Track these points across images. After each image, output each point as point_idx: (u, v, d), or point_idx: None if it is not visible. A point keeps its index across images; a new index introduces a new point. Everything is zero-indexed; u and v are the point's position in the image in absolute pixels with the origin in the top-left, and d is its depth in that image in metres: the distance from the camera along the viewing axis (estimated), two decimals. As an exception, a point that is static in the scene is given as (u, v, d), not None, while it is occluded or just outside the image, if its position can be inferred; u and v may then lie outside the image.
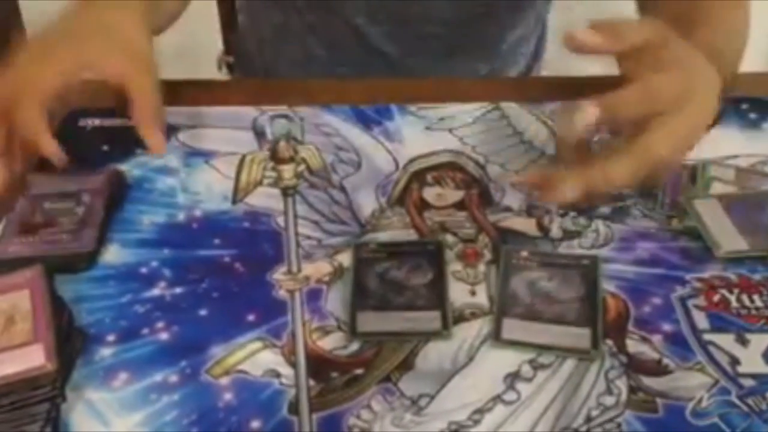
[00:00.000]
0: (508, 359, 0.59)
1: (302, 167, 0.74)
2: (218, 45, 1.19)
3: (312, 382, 0.57)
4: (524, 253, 0.65)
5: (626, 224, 0.69)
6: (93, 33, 0.69)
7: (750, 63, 0.80)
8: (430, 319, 0.61)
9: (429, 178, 0.73)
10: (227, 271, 0.65)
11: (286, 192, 0.72)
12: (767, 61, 1.38)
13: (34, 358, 0.56)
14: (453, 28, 0.93)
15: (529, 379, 0.57)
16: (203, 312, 0.62)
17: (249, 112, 0.79)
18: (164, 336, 0.60)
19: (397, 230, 0.68)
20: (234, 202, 0.71)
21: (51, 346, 0.56)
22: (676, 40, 0.64)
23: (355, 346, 0.60)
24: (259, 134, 0.77)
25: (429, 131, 0.77)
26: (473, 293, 0.63)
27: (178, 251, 0.66)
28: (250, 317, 0.61)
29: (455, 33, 0.94)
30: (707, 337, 0.60)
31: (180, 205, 0.71)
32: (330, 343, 0.60)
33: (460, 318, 0.61)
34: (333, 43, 0.97)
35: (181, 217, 0.70)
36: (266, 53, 1.04)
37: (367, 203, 0.71)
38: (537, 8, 0.99)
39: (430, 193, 0.71)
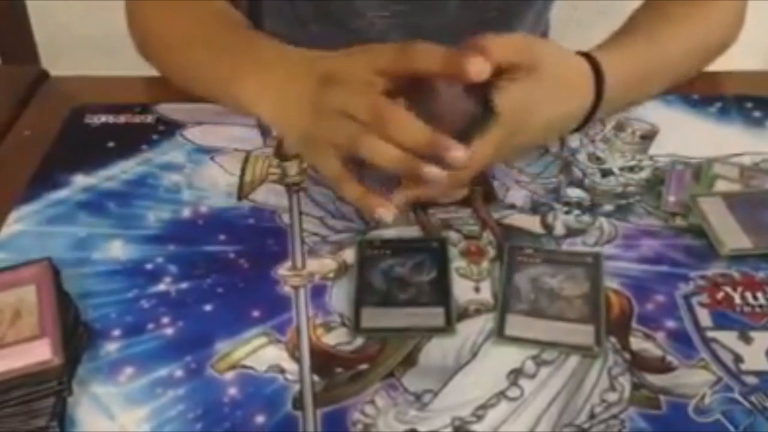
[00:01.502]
0: (512, 356, 0.59)
1: (307, 164, 0.74)
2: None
3: (316, 378, 0.57)
4: (528, 250, 0.66)
5: (630, 222, 0.69)
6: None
7: (751, 63, 0.80)
8: (433, 316, 0.61)
9: (433, 175, 0.73)
10: (232, 267, 0.65)
11: (291, 188, 0.72)
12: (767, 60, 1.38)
13: (41, 352, 0.56)
14: (465, 36, 0.93)
15: (533, 376, 0.57)
16: (208, 307, 0.62)
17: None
18: (169, 331, 0.60)
19: (401, 227, 0.69)
20: (239, 198, 0.71)
21: (57, 341, 0.57)
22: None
23: (359, 342, 0.60)
24: (264, 131, 0.77)
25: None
26: (477, 290, 0.63)
27: (184, 247, 0.67)
28: (255, 313, 0.62)
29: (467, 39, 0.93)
30: (711, 334, 0.60)
31: (185, 201, 0.71)
32: (334, 339, 0.60)
33: (464, 314, 0.61)
34: None
35: (186, 213, 0.70)
36: None
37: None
38: (538, 7, 0.99)
39: (434, 190, 0.71)
